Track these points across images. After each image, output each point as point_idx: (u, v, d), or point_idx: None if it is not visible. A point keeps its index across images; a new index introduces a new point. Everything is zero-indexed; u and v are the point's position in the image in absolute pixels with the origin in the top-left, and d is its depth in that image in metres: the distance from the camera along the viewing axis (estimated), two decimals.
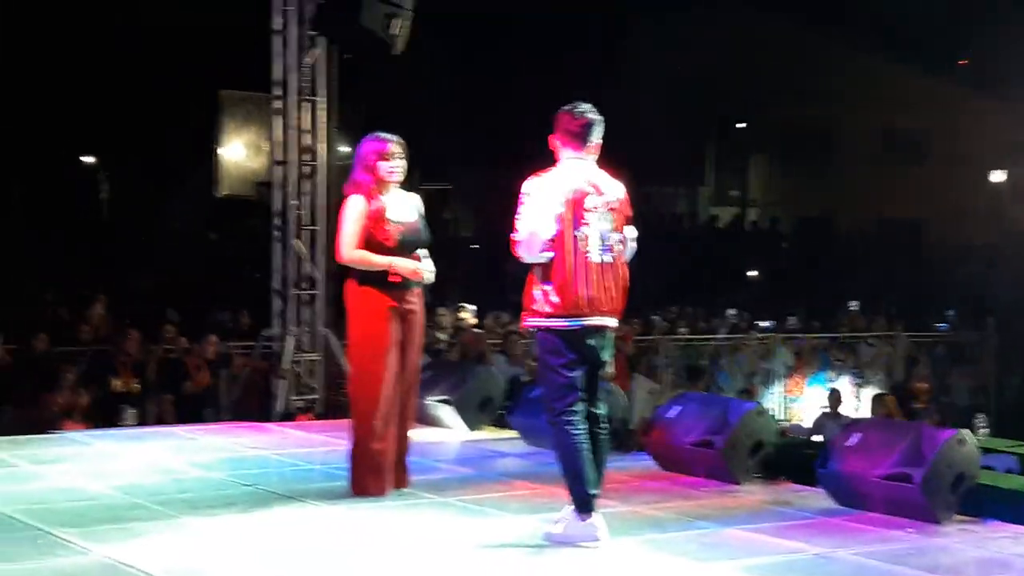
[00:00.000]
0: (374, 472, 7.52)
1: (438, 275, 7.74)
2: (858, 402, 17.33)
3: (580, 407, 6.50)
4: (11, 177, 25.32)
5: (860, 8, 36.46)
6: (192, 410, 12.55)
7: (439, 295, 14.84)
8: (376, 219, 7.36)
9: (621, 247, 6.59)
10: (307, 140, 12.72)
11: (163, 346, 13.53)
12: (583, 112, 6.58)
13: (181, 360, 13.11)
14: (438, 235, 7.78)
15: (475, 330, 15.63)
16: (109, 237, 24.90)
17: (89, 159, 30.95)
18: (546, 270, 6.42)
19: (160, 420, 12.15)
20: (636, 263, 6.78)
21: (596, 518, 6.51)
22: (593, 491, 6.49)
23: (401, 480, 7.73)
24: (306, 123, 12.71)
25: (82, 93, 27.10)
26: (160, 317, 14.88)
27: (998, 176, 38.12)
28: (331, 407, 12.02)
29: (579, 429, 6.47)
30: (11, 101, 25.45)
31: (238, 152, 14.64)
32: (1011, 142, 37.87)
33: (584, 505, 6.48)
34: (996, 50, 35.05)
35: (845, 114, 38.42)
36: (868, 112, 38.22)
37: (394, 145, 7.47)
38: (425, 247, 7.63)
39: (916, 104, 38.11)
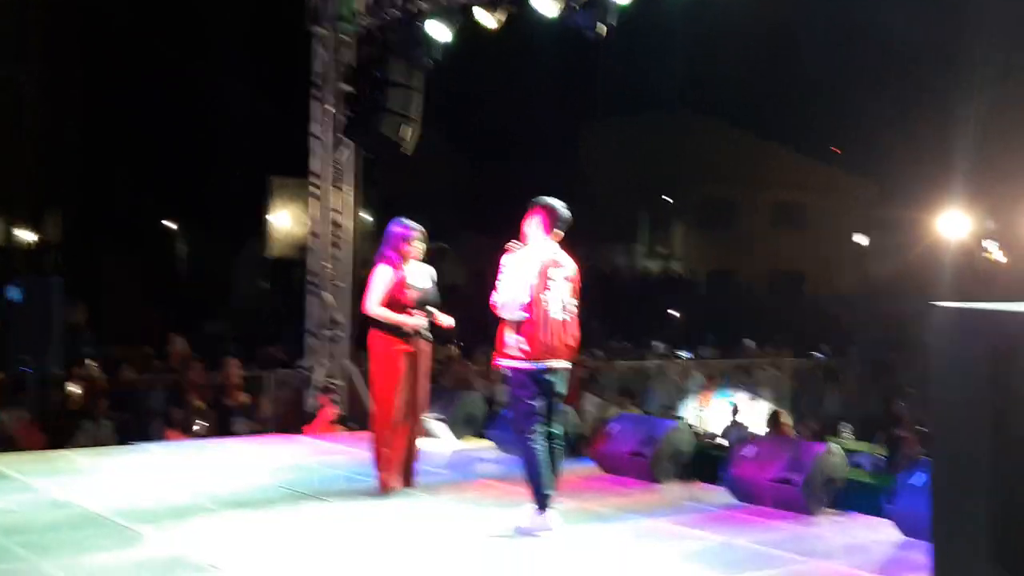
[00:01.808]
0: (389, 471, 7.51)
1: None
2: (753, 414, 17.23)
3: (540, 428, 6.55)
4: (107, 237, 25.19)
5: (759, 107, 36.74)
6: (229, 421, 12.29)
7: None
8: (400, 286, 7.41)
9: (575, 309, 6.59)
10: (336, 217, 12.67)
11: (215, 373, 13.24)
12: (556, 207, 6.65)
13: (223, 385, 12.80)
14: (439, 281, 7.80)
15: (463, 360, 15.50)
16: (186, 288, 24.78)
17: (171, 224, 30.88)
18: (519, 325, 6.46)
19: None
20: (585, 306, 6.79)
21: (551, 513, 6.48)
22: (549, 492, 6.49)
23: (409, 481, 7.67)
24: (336, 204, 12.64)
25: (166, 171, 27.12)
26: (223, 352, 14.71)
27: (861, 239, 38.32)
28: (351, 419, 11.90)
29: (539, 445, 6.53)
30: (106, 179, 25.45)
31: (285, 222, 14.58)
32: (870, 213, 38.12)
33: (542, 503, 6.49)
34: (861, 141, 35.31)
35: (745, 190, 38.59)
36: (762, 188, 38.42)
37: (416, 232, 7.54)
38: (436, 306, 7.60)
39: (799, 182, 38.34)
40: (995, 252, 33.61)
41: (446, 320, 7.65)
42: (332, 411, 11.41)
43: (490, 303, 6.60)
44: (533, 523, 6.49)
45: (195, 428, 11.70)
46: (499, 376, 14.11)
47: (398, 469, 7.55)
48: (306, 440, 10.50)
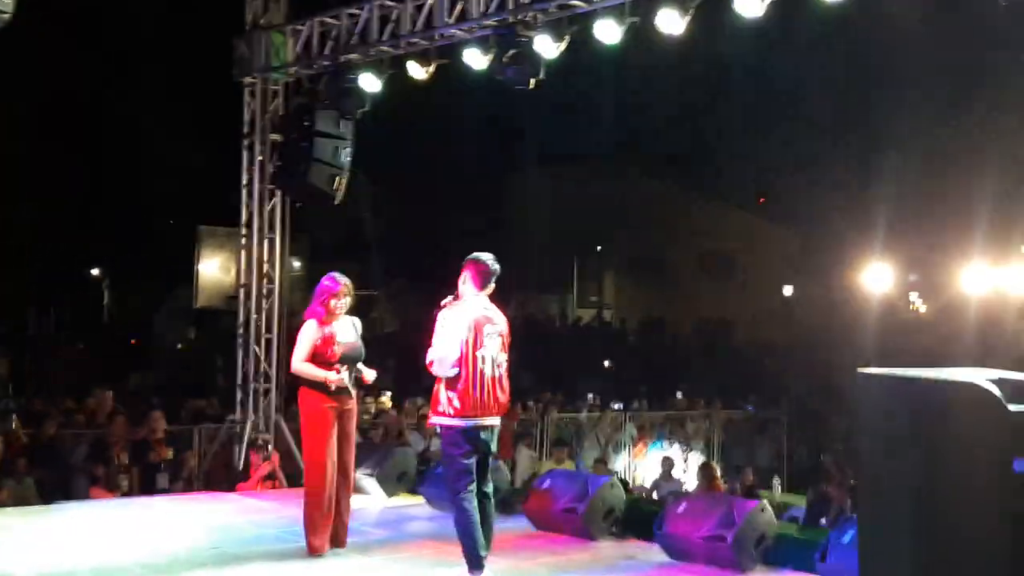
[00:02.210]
0: (321, 534, 7.39)
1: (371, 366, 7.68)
2: (685, 465, 17.35)
3: (473, 487, 6.54)
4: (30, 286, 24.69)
5: (685, 158, 37.33)
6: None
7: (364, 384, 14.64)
8: (326, 342, 7.36)
9: (505, 364, 6.60)
10: (266, 268, 12.60)
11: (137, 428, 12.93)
12: (487, 262, 6.69)
13: (147, 439, 12.53)
14: (366, 330, 7.75)
15: (393, 412, 15.38)
16: (109, 338, 24.33)
17: (95, 272, 30.40)
18: (452, 382, 6.48)
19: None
20: (518, 357, 6.81)
21: (485, 573, 6.45)
22: (483, 552, 6.46)
23: (341, 539, 7.55)
24: (265, 255, 12.59)
25: (92, 220, 26.72)
26: (148, 405, 14.42)
27: (788, 289, 38.92)
28: (282, 475, 11.74)
29: (472, 504, 6.51)
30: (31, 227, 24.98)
31: (213, 271, 14.40)
32: (797, 263, 38.76)
33: (475, 563, 6.46)
34: (787, 191, 35.99)
35: (673, 241, 39.05)
36: (690, 239, 38.90)
37: (343, 287, 7.49)
38: (360, 360, 7.55)
39: (726, 233, 38.90)
40: (918, 303, 34.40)
41: (370, 375, 7.62)
42: (265, 467, 11.26)
43: (425, 361, 6.59)
44: None
45: (121, 485, 11.46)
46: (432, 431, 14.10)
47: (327, 530, 7.43)
48: (235, 498, 10.33)
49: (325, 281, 7.53)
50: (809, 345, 27.68)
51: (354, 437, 7.71)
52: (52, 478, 11.20)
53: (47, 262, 25.65)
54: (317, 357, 7.35)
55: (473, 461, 6.52)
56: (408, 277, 29.19)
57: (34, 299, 23.38)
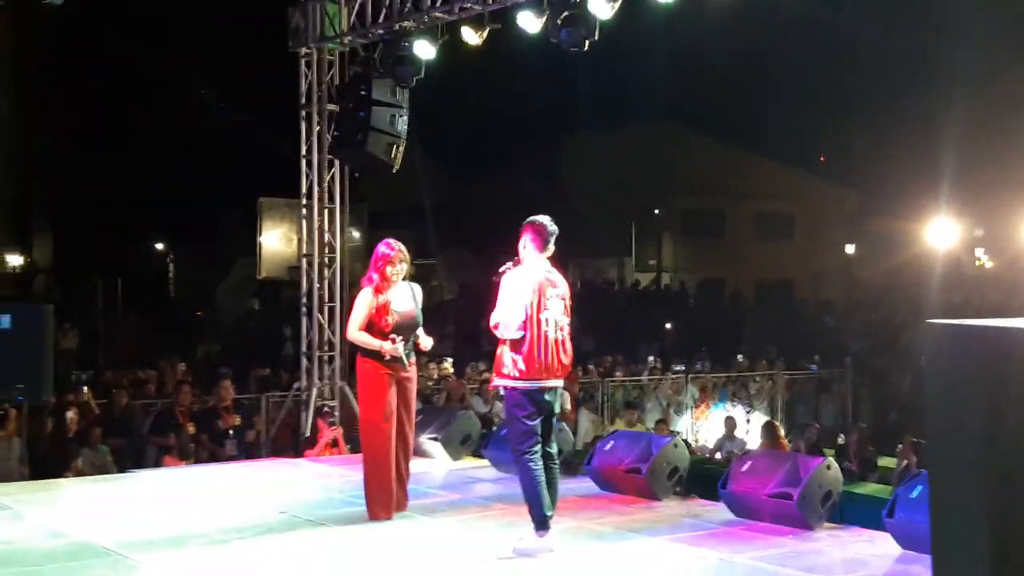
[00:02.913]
0: (382, 503, 7.44)
1: (430, 334, 7.68)
2: (748, 426, 17.27)
3: (538, 448, 6.55)
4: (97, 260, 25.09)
5: (742, 119, 36.92)
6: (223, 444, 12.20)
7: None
8: (380, 310, 7.37)
9: (568, 328, 6.60)
10: (327, 237, 12.70)
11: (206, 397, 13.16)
12: (546, 224, 6.66)
13: (216, 408, 12.73)
14: (425, 298, 7.76)
15: (455, 377, 15.48)
16: (175, 310, 24.69)
17: (159, 246, 30.84)
18: (516, 344, 6.48)
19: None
20: (578, 322, 6.79)
21: (551, 533, 6.48)
22: (548, 512, 6.49)
23: (401, 504, 7.62)
24: (326, 224, 12.69)
25: (155, 194, 27.09)
26: (216, 374, 14.67)
27: (849, 248, 38.45)
28: (347, 441, 11.88)
29: (537, 465, 6.52)
30: (96, 202, 25.36)
31: (274, 243, 14.56)
32: (857, 221, 38.26)
33: (541, 523, 6.48)
34: (846, 150, 35.50)
35: (731, 201, 38.72)
36: (748, 199, 38.54)
37: (398, 253, 7.46)
38: (417, 328, 7.56)
39: (785, 193, 38.48)
40: (984, 259, 33.79)
41: (426, 342, 7.59)
42: (330, 433, 11.40)
43: (489, 324, 6.62)
44: (532, 544, 6.47)
45: (191, 454, 11.68)
46: (495, 394, 14.19)
47: (389, 497, 7.45)
48: (303, 463, 10.46)
49: (380, 248, 7.51)
50: (872, 304, 27.37)
51: (414, 404, 7.72)
52: (125, 447, 11.45)
53: (113, 237, 26.07)
54: (372, 326, 7.36)
55: (538, 423, 6.53)
56: (465, 245, 29.27)
57: (101, 273, 23.73)
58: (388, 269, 7.42)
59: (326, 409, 11.87)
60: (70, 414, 11.60)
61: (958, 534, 4.36)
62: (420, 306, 7.59)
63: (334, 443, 11.33)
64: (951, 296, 23.88)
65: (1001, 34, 27.24)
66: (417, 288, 7.68)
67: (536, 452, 6.51)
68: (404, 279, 7.55)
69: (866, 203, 38.31)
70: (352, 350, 11.15)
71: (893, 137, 32.23)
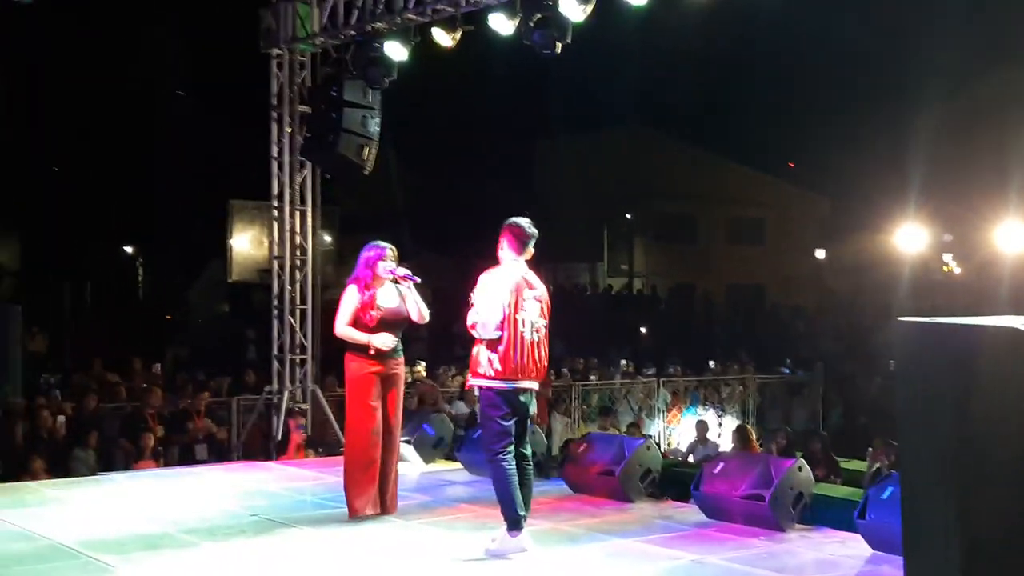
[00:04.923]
0: (362, 498, 7.47)
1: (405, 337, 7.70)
2: (720, 430, 17.34)
3: (511, 448, 6.55)
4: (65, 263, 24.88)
5: (713, 124, 37.12)
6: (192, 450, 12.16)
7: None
8: (366, 306, 7.38)
9: (545, 331, 6.62)
10: (298, 239, 12.68)
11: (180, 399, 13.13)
12: (524, 227, 6.67)
13: (187, 411, 12.67)
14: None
15: (428, 381, 15.46)
16: (144, 314, 24.50)
17: (129, 249, 30.62)
18: (492, 344, 6.49)
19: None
20: (553, 323, 6.80)
21: (524, 534, 6.48)
22: (522, 513, 6.49)
23: (388, 506, 7.60)
24: (297, 226, 12.67)
25: (124, 196, 26.89)
26: (186, 378, 14.59)
27: (819, 253, 38.71)
28: (319, 444, 11.85)
29: (511, 465, 6.52)
30: (64, 204, 25.15)
31: (244, 246, 14.50)
32: (828, 227, 38.53)
33: (514, 524, 6.48)
34: (816, 156, 35.73)
35: (703, 207, 38.90)
36: (720, 205, 38.75)
37: (389, 251, 7.51)
38: (404, 325, 7.57)
39: (756, 198, 38.72)
40: (952, 265, 34.09)
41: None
42: (300, 436, 11.36)
43: (466, 324, 6.62)
44: (504, 546, 6.48)
45: (161, 457, 11.62)
46: (469, 396, 14.17)
47: (370, 494, 7.49)
48: (273, 467, 10.41)
49: (369, 251, 7.50)
50: (841, 308, 27.54)
51: (401, 402, 7.74)
52: (95, 450, 11.36)
53: (81, 240, 25.87)
54: (357, 322, 7.40)
55: (512, 424, 6.54)
56: (438, 249, 29.22)
57: (69, 276, 23.54)
58: (381, 265, 7.44)
59: (296, 410, 11.84)
60: (45, 414, 11.51)
61: (929, 534, 4.40)
62: (419, 304, 7.50)
63: (305, 445, 11.31)
64: (920, 302, 24.06)
65: (971, 42, 27.54)
66: (405, 287, 7.58)
67: (510, 453, 6.51)
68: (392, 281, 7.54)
69: (837, 209, 38.61)
70: (325, 353, 11.14)
71: (863, 143, 32.49)
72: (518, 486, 6.48)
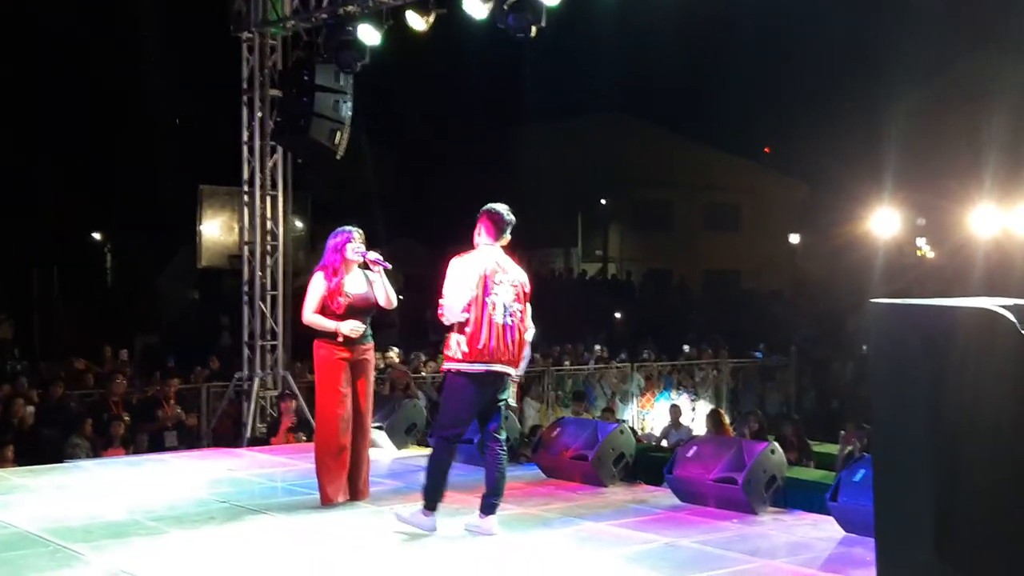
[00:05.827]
0: (332, 484, 7.45)
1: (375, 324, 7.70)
2: (693, 414, 17.40)
3: (458, 436, 6.60)
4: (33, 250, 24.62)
5: (688, 110, 37.18)
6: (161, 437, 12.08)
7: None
8: (333, 292, 7.35)
9: (520, 315, 6.59)
10: (269, 224, 12.61)
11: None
12: (501, 212, 6.66)
13: (156, 398, 12.59)
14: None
15: (401, 366, 15.42)
16: (113, 300, 24.33)
17: (97, 236, 30.35)
18: (461, 327, 6.47)
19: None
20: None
21: (436, 517, 6.60)
22: (440, 500, 6.57)
23: (360, 492, 7.60)
24: (268, 212, 12.60)
25: (93, 181, 26.64)
26: (155, 364, 14.50)
27: (794, 238, 38.87)
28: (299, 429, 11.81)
29: (450, 454, 6.61)
30: (31, 190, 24.90)
31: (215, 232, 14.40)
32: (803, 212, 38.69)
33: (431, 504, 6.60)
34: (792, 141, 35.88)
35: (679, 192, 38.98)
36: (696, 190, 38.82)
37: (357, 234, 7.46)
38: (372, 311, 7.55)
39: (732, 184, 38.82)
40: (926, 249, 34.32)
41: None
42: (291, 419, 11.34)
43: (437, 312, 6.61)
44: (415, 519, 6.60)
45: (130, 444, 11.54)
46: (439, 382, 14.15)
47: (342, 480, 7.49)
48: (244, 453, 10.37)
49: (336, 236, 7.46)
50: (815, 293, 27.67)
51: (371, 389, 7.72)
52: (62, 438, 11.27)
53: (48, 225, 25.62)
54: (325, 309, 7.38)
55: (472, 412, 6.55)
56: (412, 235, 29.13)
57: (36, 262, 23.32)
58: (349, 247, 7.39)
59: (287, 393, 11.82)
60: (19, 402, 11.42)
61: (901, 515, 4.42)
62: (387, 290, 7.48)
63: (294, 428, 11.29)
64: (893, 285, 24.20)
65: (943, 29, 27.69)
66: (369, 273, 7.55)
67: (455, 441, 6.57)
68: (361, 266, 7.51)
69: (812, 193, 38.77)
70: (296, 339, 11.07)
71: (837, 128, 32.62)
72: (447, 474, 6.56)
